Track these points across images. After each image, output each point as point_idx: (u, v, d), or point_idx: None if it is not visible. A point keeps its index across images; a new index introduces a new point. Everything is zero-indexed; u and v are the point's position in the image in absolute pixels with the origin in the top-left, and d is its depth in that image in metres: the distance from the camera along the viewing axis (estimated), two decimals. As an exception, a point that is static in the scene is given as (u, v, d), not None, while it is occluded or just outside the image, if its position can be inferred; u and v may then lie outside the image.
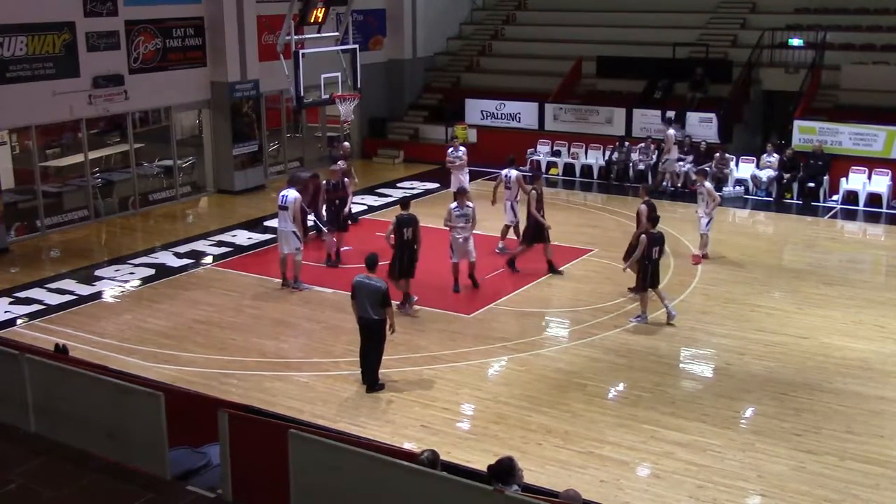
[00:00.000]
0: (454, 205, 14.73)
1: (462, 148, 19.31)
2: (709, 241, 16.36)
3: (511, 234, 16.76)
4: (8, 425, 6.16)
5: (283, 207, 14.79)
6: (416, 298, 14.15)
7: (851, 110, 21.69)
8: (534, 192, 15.46)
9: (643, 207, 14.21)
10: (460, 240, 14.59)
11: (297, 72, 17.73)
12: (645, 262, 13.34)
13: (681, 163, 21.78)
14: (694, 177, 21.65)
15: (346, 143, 19.19)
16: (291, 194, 14.85)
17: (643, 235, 13.46)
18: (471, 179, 19.61)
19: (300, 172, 17.66)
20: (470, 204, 14.58)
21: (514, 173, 16.67)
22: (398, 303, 13.57)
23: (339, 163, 17.33)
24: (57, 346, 10.42)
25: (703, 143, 21.86)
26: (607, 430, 10.45)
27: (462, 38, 29.28)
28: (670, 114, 22.42)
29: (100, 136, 21.38)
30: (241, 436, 6.16)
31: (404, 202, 14.42)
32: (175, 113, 21.58)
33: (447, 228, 14.68)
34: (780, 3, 25.53)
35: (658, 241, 13.48)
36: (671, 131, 21.76)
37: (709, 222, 16.13)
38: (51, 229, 18.82)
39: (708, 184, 16.44)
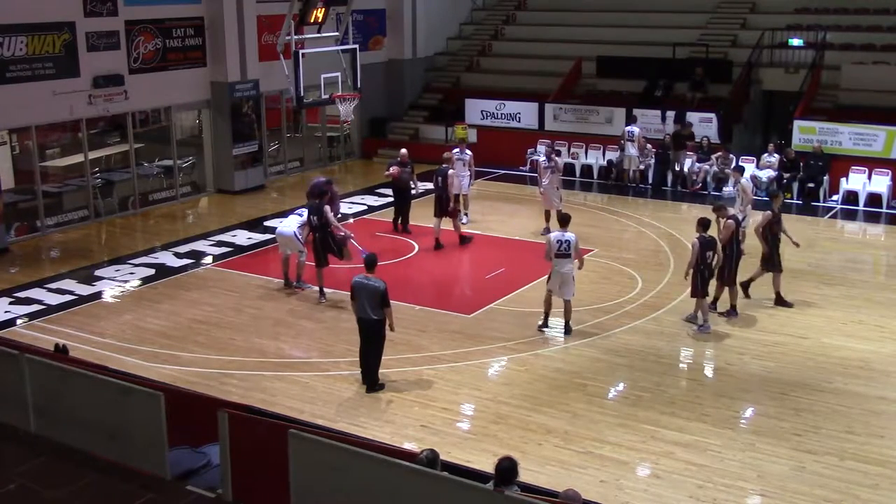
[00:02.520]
0: (556, 234, 13.08)
1: (468, 151, 19.03)
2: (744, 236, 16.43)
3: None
4: (8, 425, 6.16)
5: (298, 215, 15.08)
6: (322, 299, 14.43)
7: (851, 110, 21.68)
8: (768, 211, 14.12)
9: (731, 222, 13.73)
10: (563, 273, 12.92)
11: (297, 72, 17.75)
12: (700, 267, 13.08)
13: (691, 161, 21.82)
14: (695, 177, 21.71)
15: (404, 150, 18.90)
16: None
17: (695, 240, 13.16)
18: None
19: (318, 180, 17.85)
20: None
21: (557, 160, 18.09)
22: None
23: (406, 169, 17.84)
24: (57, 346, 10.44)
25: (706, 138, 21.87)
26: (607, 430, 10.45)
27: (462, 38, 29.27)
28: (636, 113, 22.58)
29: (100, 136, 21.38)
30: (241, 436, 6.16)
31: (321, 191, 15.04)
32: (175, 113, 21.58)
33: (549, 262, 13.00)
34: (780, 3, 25.53)
35: (711, 245, 13.15)
36: (631, 128, 21.85)
37: (744, 219, 15.82)
38: (51, 229, 18.83)
39: (744, 181, 16.32)
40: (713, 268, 13.26)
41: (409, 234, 17.99)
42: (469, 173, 18.79)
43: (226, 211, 20.78)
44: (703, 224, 13.22)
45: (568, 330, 13.13)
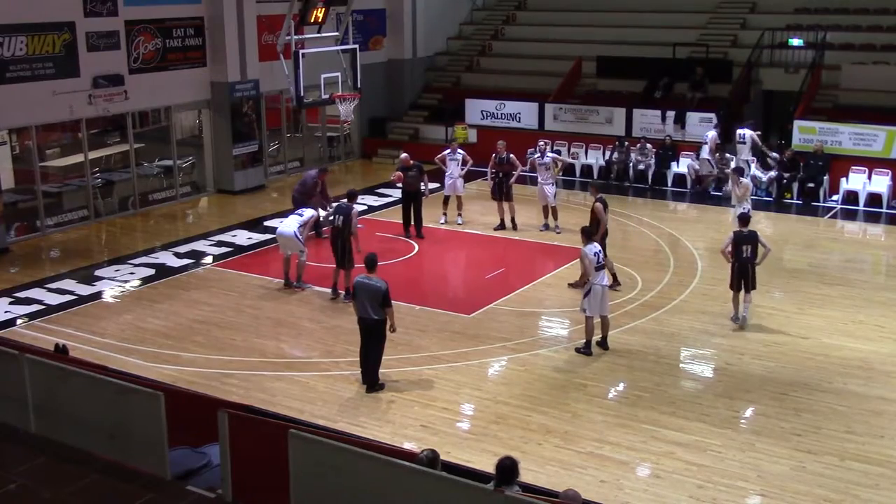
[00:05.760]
0: (589, 247, 12.48)
1: (461, 151, 18.89)
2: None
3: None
4: (8, 425, 6.16)
5: (298, 216, 15.18)
6: (341, 294, 14.42)
7: (851, 110, 21.68)
8: None
9: (598, 206, 14.48)
10: (604, 285, 12.59)
11: (297, 72, 17.73)
12: (732, 261, 13.15)
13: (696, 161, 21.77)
14: (695, 177, 21.70)
15: (404, 154, 18.61)
16: (308, 213, 15.35)
17: (730, 234, 13.37)
18: (468, 181, 19.56)
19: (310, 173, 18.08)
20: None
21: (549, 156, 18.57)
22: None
23: (411, 172, 17.77)
24: (57, 346, 10.44)
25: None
26: (607, 430, 10.46)
27: (462, 38, 29.27)
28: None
29: (100, 136, 21.38)
30: (241, 436, 6.15)
31: (351, 194, 15.04)
32: (175, 113, 21.58)
33: (590, 279, 12.45)
34: (780, 3, 25.52)
35: (746, 239, 13.15)
36: (713, 133, 21.54)
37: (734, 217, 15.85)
38: (51, 229, 18.83)
39: (744, 179, 16.35)
40: (751, 263, 13.16)
41: (423, 240, 17.73)
42: (462, 174, 18.70)
43: (226, 211, 20.78)
44: (743, 219, 13.48)
45: (606, 345, 12.66)
